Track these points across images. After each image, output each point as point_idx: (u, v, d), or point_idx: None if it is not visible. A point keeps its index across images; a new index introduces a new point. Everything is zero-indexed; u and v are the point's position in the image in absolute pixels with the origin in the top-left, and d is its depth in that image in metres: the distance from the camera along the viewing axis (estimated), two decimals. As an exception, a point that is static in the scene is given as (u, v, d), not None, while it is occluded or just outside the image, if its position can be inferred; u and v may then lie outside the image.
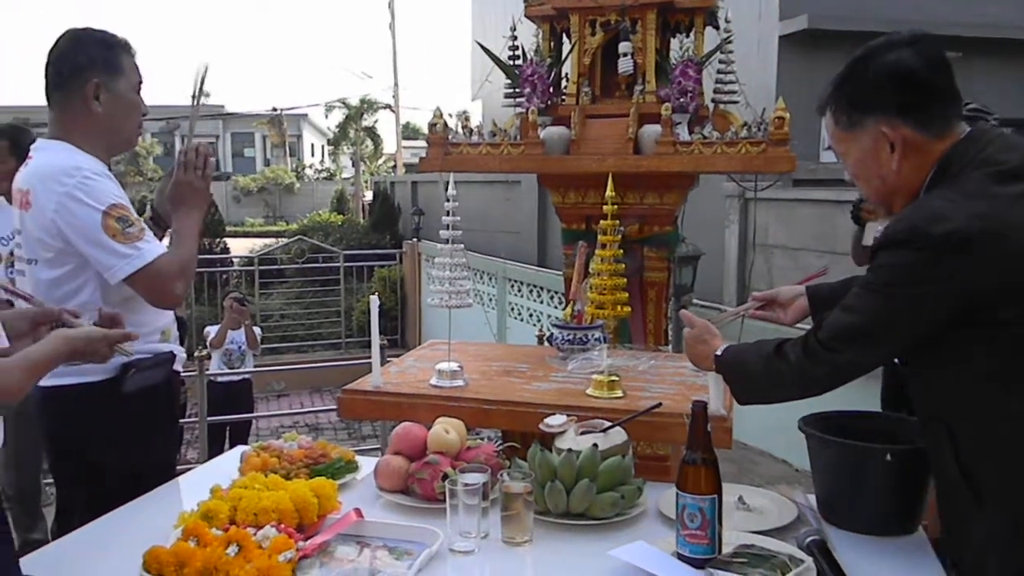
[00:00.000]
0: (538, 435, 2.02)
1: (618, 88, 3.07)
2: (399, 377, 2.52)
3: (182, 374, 2.47)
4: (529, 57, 3.09)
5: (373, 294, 2.54)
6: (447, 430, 1.99)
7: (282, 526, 1.67)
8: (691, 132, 2.87)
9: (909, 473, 1.74)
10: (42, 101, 2.20)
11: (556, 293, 9.49)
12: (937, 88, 1.56)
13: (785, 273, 6.95)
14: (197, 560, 1.53)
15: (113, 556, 1.70)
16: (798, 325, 2.06)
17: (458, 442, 1.99)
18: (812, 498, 1.89)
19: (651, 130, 2.86)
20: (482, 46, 3.29)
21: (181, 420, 2.84)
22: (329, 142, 35.22)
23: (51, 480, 3.10)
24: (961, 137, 1.56)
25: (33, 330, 1.70)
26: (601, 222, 2.68)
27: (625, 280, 2.72)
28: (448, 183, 2.40)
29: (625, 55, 2.94)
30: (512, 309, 11.18)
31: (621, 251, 2.70)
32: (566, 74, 3.16)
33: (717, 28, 3.07)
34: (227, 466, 2.16)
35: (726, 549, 1.57)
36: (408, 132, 35.91)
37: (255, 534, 1.62)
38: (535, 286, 10.55)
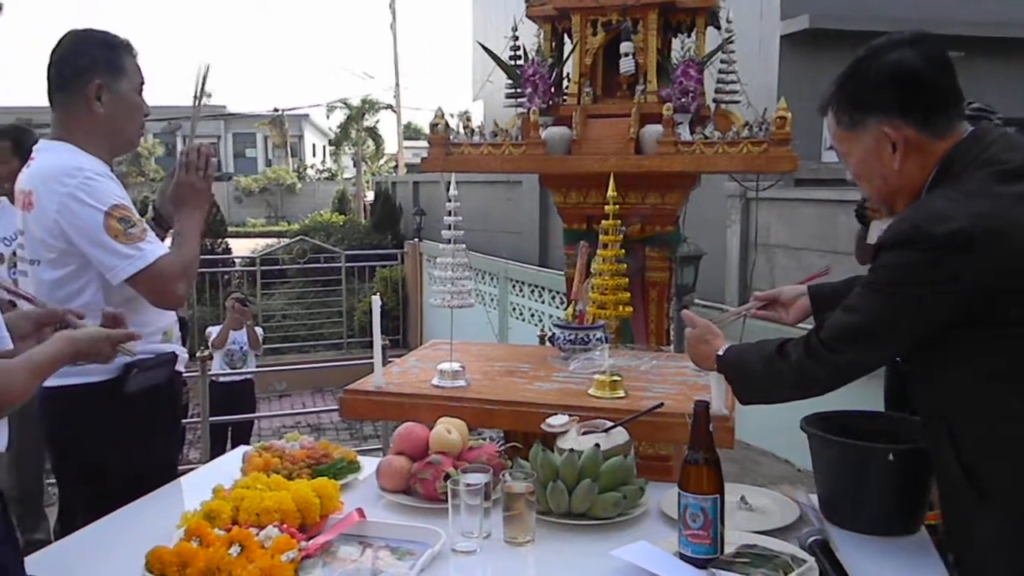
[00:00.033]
0: (540, 435, 2.02)
1: (619, 88, 3.07)
2: (401, 377, 2.52)
3: (184, 374, 2.48)
4: (530, 57, 3.09)
5: (375, 294, 2.54)
6: (449, 430, 1.99)
7: (284, 526, 1.68)
8: (693, 132, 2.87)
9: (911, 473, 1.73)
10: (44, 102, 2.20)
11: (557, 293, 9.49)
12: (939, 88, 1.56)
13: (787, 273, 6.95)
14: (200, 560, 1.53)
15: (116, 556, 1.70)
16: (800, 325, 2.06)
17: (460, 442, 1.99)
18: (814, 498, 1.89)
19: (653, 130, 2.86)
20: (483, 46, 3.30)
21: (183, 420, 2.84)
22: (331, 142, 35.24)
23: (54, 480, 3.10)
24: (963, 137, 1.55)
25: (37, 331, 1.70)
26: (603, 222, 2.68)
27: (627, 280, 2.72)
28: (450, 183, 2.40)
29: (626, 55, 2.94)
30: (514, 309, 11.18)
31: (623, 251, 2.71)
32: (567, 74, 3.16)
33: (718, 28, 3.07)
34: (229, 466, 2.17)
35: (728, 549, 1.57)
36: (409, 132, 35.93)
37: (257, 534, 1.63)
38: (536, 286, 10.55)
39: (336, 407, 2.90)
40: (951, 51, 1.61)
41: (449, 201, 2.36)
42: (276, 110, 35.08)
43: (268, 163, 37.95)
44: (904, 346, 1.57)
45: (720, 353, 1.84)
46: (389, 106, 30.05)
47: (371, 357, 2.46)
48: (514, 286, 11.16)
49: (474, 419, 2.21)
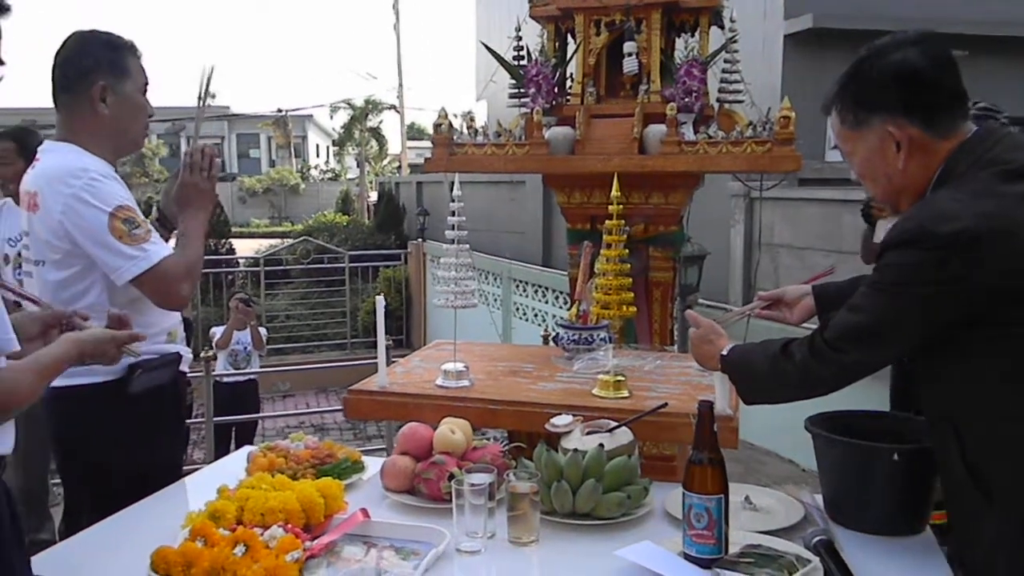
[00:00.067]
0: (544, 435, 2.02)
1: (623, 88, 3.07)
2: (405, 377, 2.52)
3: (188, 375, 2.48)
4: (534, 57, 3.09)
5: (378, 295, 2.54)
6: (453, 430, 1.99)
7: (289, 526, 1.68)
8: (696, 132, 2.86)
9: (916, 473, 1.73)
10: (49, 103, 2.21)
11: (561, 293, 9.49)
12: (943, 87, 1.56)
13: (791, 272, 6.94)
14: (204, 560, 1.54)
15: (121, 556, 1.71)
16: (804, 325, 2.05)
17: (464, 442, 1.99)
18: (819, 498, 1.89)
19: (656, 130, 2.86)
20: (487, 47, 3.29)
21: (187, 421, 2.85)
22: (334, 143, 35.31)
23: (58, 480, 3.11)
24: (968, 136, 1.55)
25: (44, 333, 1.71)
26: (606, 222, 2.68)
27: (630, 280, 2.71)
28: (453, 183, 2.40)
29: (630, 55, 2.93)
30: (517, 309, 11.19)
31: (626, 251, 2.70)
32: (571, 74, 3.16)
33: (722, 27, 3.06)
34: (234, 466, 2.17)
35: (733, 549, 1.57)
36: (413, 133, 35.98)
37: (262, 534, 1.63)
38: (540, 286, 10.55)
39: (340, 407, 2.90)
40: (955, 50, 1.60)
41: (453, 201, 2.36)
42: (280, 111, 35.15)
43: (272, 164, 37.99)
44: (909, 346, 1.57)
45: (724, 353, 1.84)
46: (392, 106, 30.11)
47: (374, 357, 2.46)
48: (518, 286, 11.17)
49: (478, 419, 2.21)
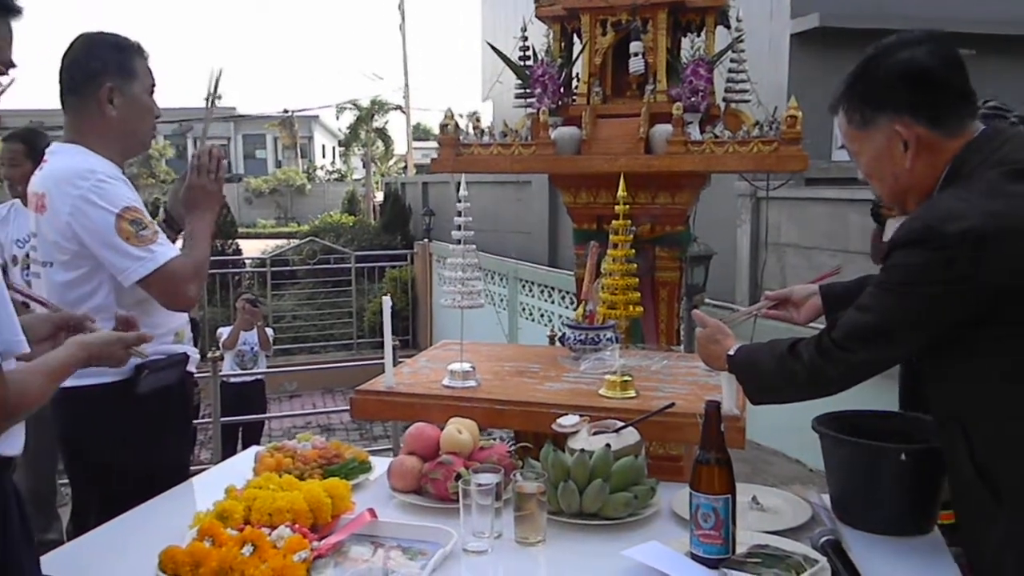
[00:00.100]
0: (551, 435, 2.02)
1: (629, 88, 3.07)
2: (411, 378, 2.53)
3: (195, 375, 2.49)
4: (540, 57, 3.09)
5: (385, 295, 2.55)
6: (460, 430, 2.00)
7: (296, 526, 1.68)
8: (703, 131, 2.86)
9: (924, 473, 1.73)
10: (57, 104, 2.21)
11: (567, 293, 9.49)
12: (951, 86, 1.56)
13: (798, 272, 6.93)
14: (212, 560, 1.54)
15: (129, 556, 1.71)
16: (811, 324, 2.05)
17: (471, 442, 1.99)
18: (826, 498, 1.89)
19: (662, 130, 2.86)
20: (493, 47, 3.29)
21: (194, 421, 2.86)
22: (340, 143, 35.33)
23: (66, 481, 3.12)
24: (975, 136, 1.55)
25: (53, 335, 1.71)
26: (613, 222, 2.68)
27: (637, 280, 2.71)
28: (460, 184, 2.40)
29: (636, 55, 2.93)
30: (523, 309, 11.18)
31: (633, 251, 2.70)
32: (577, 74, 3.16)
33: (728, 27, 3.06)
34: (241, 466, 2.18)
35: (740, 549, 1.57)
36: (419, 133, 35.98)
37: (270, 534, 1.63)
38: (546, 286, 10.54)
39: (346, 407, 2.90)
40: (962, 49, 1.60)
41: (459, 202, 2.36)
42: (286, 111, 35.18)
43: (278, 164, 38.05)
44: (917, 345, 1.57)
45: (731, 353, 1.83)
46: (398, 107, 30.12)
47: (381, 358, 2.47)
48: (524, 286, 11.17)
49: (485, 419, 2.21)
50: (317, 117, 39.07)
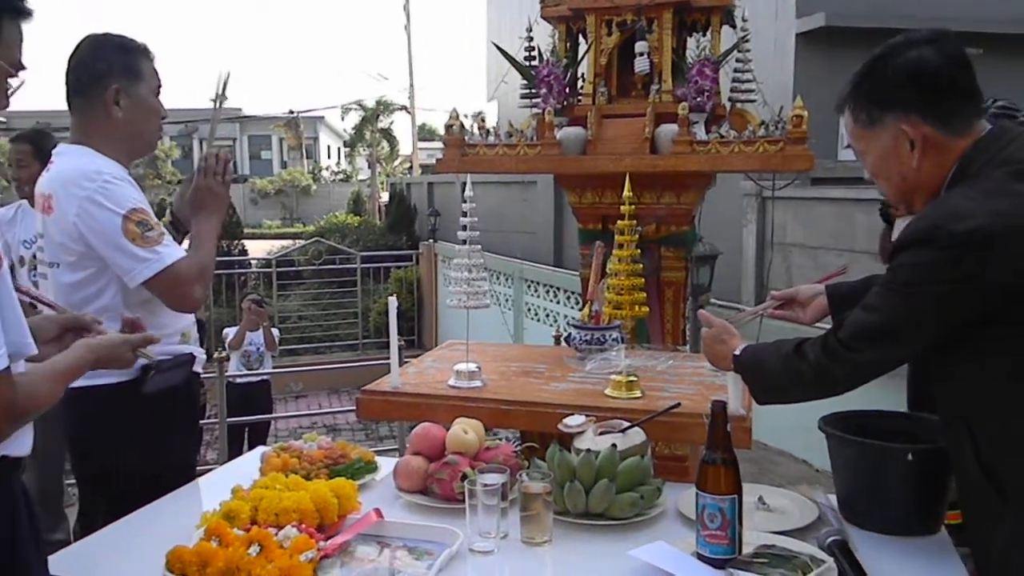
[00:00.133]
0: (557, 435, 2.02)
1: (634, 88, 3.07)
2: (417, 378, 2.53)
3: (202, 376, 2.49)
4: (545, 58, 3.09)
5: (390, 295, 2.55)
6: (466, 430, 2.00)
7: (303, 526, 1.69)
8: (708, 131, 2.86)
9: (931, 473, 1.72)
10: (63, 106, 2.22)
11: (572, 293, 9.49)
12: (958, 86, 1.55)
13: (803, 272, 6.92)
14: (219, 560, 1.54)
15: (136, 556, 1.72)
16: (817, 324, 2.05)
17: (477, 442, 1.99)
18: (833, 498, 1.88)
19: (668, 129, 2.86)
20: (498, 47, 3.30)
21: (201, 421, 2.86)
22: (345, 144, 35.39)
23: (73, 481, 3.13)
24: (982, 135, 1.55)
25: (60, 336, 1.72)
26: (618, 222, 2.68)
27: (642, 280, 2.71)
28: (465, 184, 2.40)
29: (641, 55, 2.93)
30: (528, 310, 11.18)
31: (638, 251, 2.70)
32: (582, 74, 3.16)
33: (734, 27, 3.06)
34: (248, 467, 2.18)
35: (746, 549, 1.57)
36: (424, 133, 36.02)
37: (276, 534, 1.64)
38: (551, 286, 10.55)
39: (352, 408, 2.91)
40: (969, 48, 1.60)
41: (465, 202, 2.37)
42: (291, 112, 35.26)
43: (283, 165, 38.11)
44: (923, 345, 1.56)
45: (737, 353, 1.83)
46: (403, 107, 30.14)
47: (386, 358, 2.47)
48: (529, 286, 11.17)
49: (491, 419, 2.22)
50: (322, 118, 39.12)
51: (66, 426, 2.23)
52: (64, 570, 1.60)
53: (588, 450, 1.83)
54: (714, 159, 2.80)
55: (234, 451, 5.21)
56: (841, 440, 1.82)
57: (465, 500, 1.72)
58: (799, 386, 1.68)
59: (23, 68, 1.46)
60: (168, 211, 2.54)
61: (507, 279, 11.66)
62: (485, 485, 1.70)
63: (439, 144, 3.44)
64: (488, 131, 3.08)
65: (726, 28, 3.05)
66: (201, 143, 32.16)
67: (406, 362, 2.72)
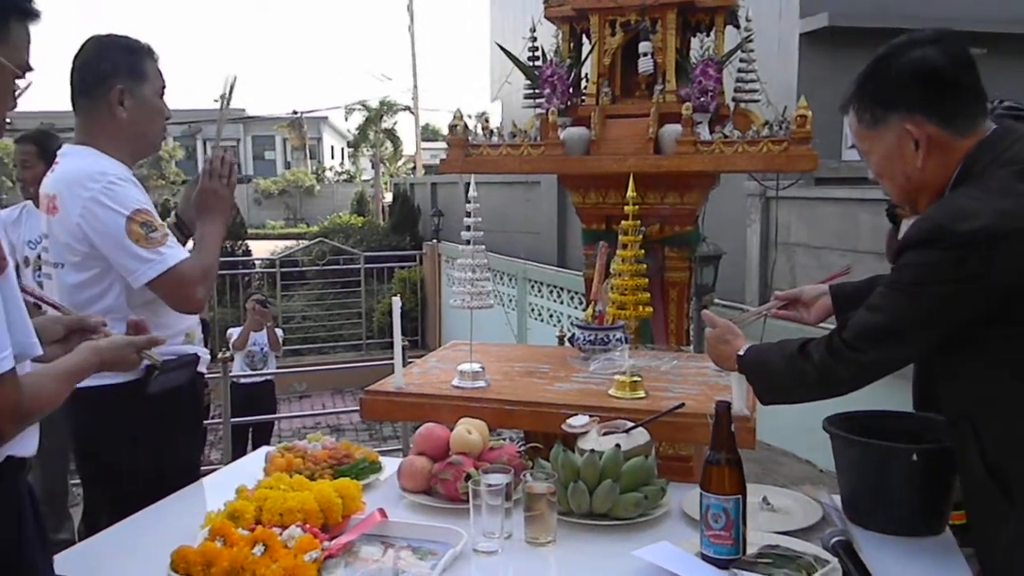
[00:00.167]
0: (560, 435, 2.02)
1: (638, 88, 3.07)
2: (421, 378, 2.53)
3: (206, 376, 2.50)
4: (549, 58, 3.09)
5: (394, 295, 2.55)
6: (469, 431, 2.00)
7: (307, 526, 1.69)
8: (712, 131, 2.86)
9: (935, 473, 1.72)
10: (68, 106, 2.23)
11: (576, 294, 9.49)
12: (962, 86, 1.55)
13: (807, 272, 6.91)
14: (224, 560, 1.55)
15: (141, 556, 1.72)
16: (821, 325, 2.05)
17: (481, 443, 1.99)
18: (837, 498, 1.88)
19: (671, 130, 2.86)
20: (501, 47, 3.29)
21: (205, 421, 2.87)
22: (349, 144, 35.38)
23: (78, 481, 3.13)
24: (987, 135, 1.54)
25: (66, 338, 1.72)
26: (622, 222, 2.68)
27: (646, 280, 2.71)
28: (469, 184, 2.40)
29: (645, 55, 2.93)
30: (532, 310, 11.18)
31: (642, 251, 2.70)
32: (586, 74, 3.16)
33: (737, 27, 3.06)
34: (252, 467, 2.18)
35: (751, 550, 1.57)
36: (427, 134, 36.05)
37: (281, 534, 1.64)
38: (555, 287, 10.55)
39: (355, 408, 2.90)
40: (973, 48, 1.59)
41: (468, 202, 2.37)
42: (295, 113, 35.29)
43: (287, 165, 38.14)
44: (928, 345, 1.56)
45: (741, 353, 1.83)
46: (407, 108, 30.16)
47: (390, 358, 2.47)
48: (533, 287, 11.17)
49: (494, 420, 2.22)
50: (326, 118, 39.14)
51: (71, 426, 2.24)
52: (69, 570, 1.60)
53: (592, 450, 1.83)
54: (718, 159, 2.80)
55: (238, 451, 5.21)
56: (845, 440, 1.82)
57: (469, 500, 1.72)
58: (803, 386, 1.68)
59: (30, 69, 1.46)
60: (173, 213, 2.54)
61: (511, 279, 11.66)
62: (489, 485, 1.70)
63: (443, 144, 3.44)
64: (492, 131, 3.08)
65: (730, 28, 3.05)
66: (205, 144, 32.21)
67: (410, 362, 2.72)
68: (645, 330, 2.89)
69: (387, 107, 29.95)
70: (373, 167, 31.70)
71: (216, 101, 2.44)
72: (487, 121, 3.15)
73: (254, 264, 15.50)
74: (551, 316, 10.63)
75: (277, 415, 7.42)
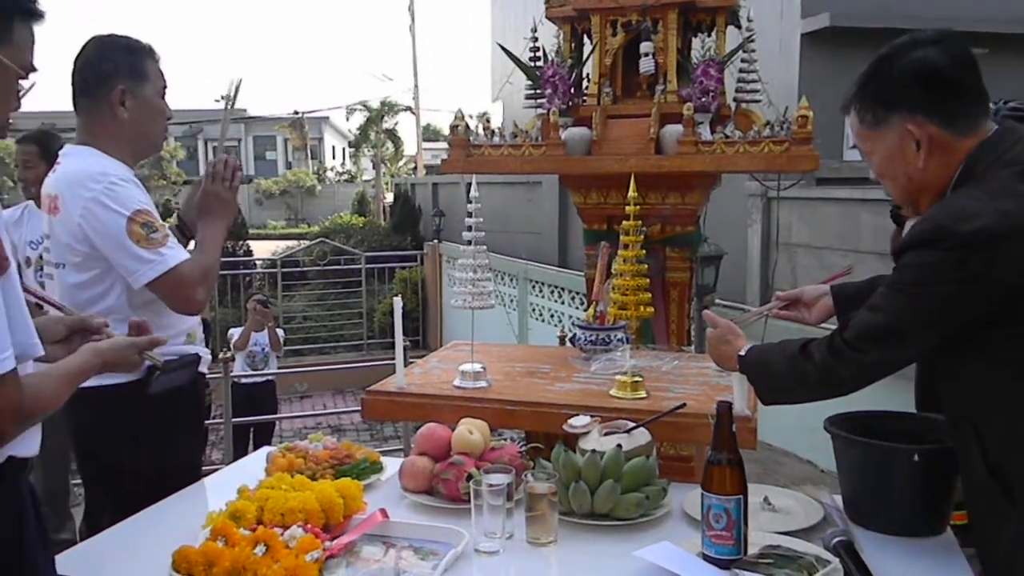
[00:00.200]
0: (562, 436, 2.02)
1: (639, 88, 3.07)
2: (423, 378, 2.53)
3: (207, 376, 2.50)
4: (550, 58, 3.09)
5: (395, 296, 2.55)
6: (471, 431, 2.00)
7: (309, 526, 1.69)
8: (713, 131, 2.86)
9: (936, 473, 1.72)
10: (69, 106, 2.23)
11: (577, 294, 9.48)
12: (963, 86, 1.55)
13: (809, 272, 6.90)
14: (225, 560, 1.55)
15: (142, 556, 1.72)
16: (823, 325, 2.04)
17: (482, 443, 1.99)
18: (838, 499, 1.88)
19: (673, 130, 2.85)
20: (503, 47, 3.29)
21: (206, 422, 2.87)
22: (350, 144, 35.39)
23: (79, 481, 3.13)
24: (988, 135, 1.54)
25: (68, 338, 1.72)
26: (623, 222, 2.68)
27: (647, 280, 2.71)
28: (470, 184, 2.40)
29: (646, 55, 2.93)
30: (533, 310, 11.18)
31: (643, 251, 2.70)
32: (587, 75, 3.16)
33: (739, 27, 3.06)
34: (253, 467, 2.18)
35: (752, 550, 1.57)
36: (429, 134, 36.06)
37: (282, 534, 1.64)
38: (556, 287, 10.54)
39: (357, 408, 2.90)
40: (974, 48, 1.59)
41: (470, 202, 2.37)
42: (296, 113, 35.29)
43: (288, 166, 38.17)
44: (929, 345, 1.56)
45: (742, 353, 1.83)
46: (408, 108, 30.17)
47: (391, 358, 2.47)
48: (534, 287, 11.16)
49: (496, 420, 2.22)
50: (327, 118, 39.16)
51: (72, 426, 2.24)
52: (71, 570, 1.60)
53: (593, 450, 1.83)
54: (719, 159, 2.80)
55: (239, 451, 5.21)
56: (846, 440, 1.81)
57: (470, 500, 1.72)
58: (804, 387, 1.68)
59: (34, 70, 1.46)
60: (175, 214, 2.54)
61: (512, 279, 11.66)
62: (490, 485, 1.70)
63: (444, 145, 3.44)
64: (493, 132, 3.08)
65: (731, 28, 3.05)
66: (206, 144, 32.23)
67: (411, 362, 2.72)
68: (646, 330, 2.89)
69: (388, 107, 29.97)
70: (374, 167, 31.70)
71: (218, 101, 2.44)
72: (488, 121, 3.15)
73: (255, 264, 15.50)
74: (552, 316, 10.63)
75: (278, 415, 7.42)
